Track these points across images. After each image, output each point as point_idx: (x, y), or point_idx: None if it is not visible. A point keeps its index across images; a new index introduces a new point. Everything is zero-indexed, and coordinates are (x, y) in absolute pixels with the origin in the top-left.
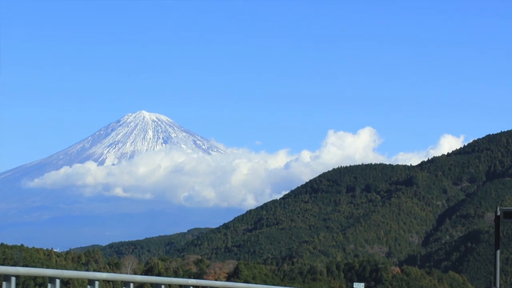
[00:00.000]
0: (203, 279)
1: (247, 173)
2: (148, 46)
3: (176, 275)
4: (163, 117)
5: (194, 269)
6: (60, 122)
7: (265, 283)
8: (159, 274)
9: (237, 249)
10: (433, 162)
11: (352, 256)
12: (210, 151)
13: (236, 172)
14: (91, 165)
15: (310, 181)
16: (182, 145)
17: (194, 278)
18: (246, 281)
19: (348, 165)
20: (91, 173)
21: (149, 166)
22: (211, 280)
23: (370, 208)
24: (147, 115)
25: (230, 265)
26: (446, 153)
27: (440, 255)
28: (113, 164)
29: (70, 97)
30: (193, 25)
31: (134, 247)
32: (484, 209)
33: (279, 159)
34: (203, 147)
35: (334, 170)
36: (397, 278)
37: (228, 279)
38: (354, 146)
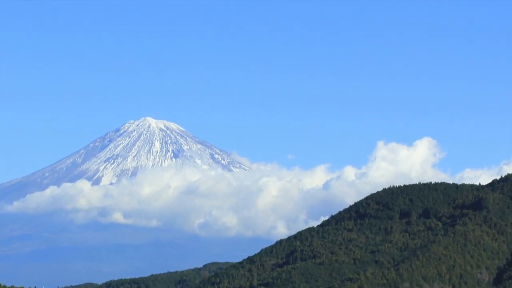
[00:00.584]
0: None
1: (277, 194)
2: (152, 41)
3: None
4: (173, 125)
5: None
6: (46, 132)
7: None
8: None
9: None
10: (508, 180)
11: None
12: (232, 167)
13: (264, 194)
14: (84, 184)
15: (355, 204)
16: (197, 160)
17: None
18: None
19: (402, 185)
20: (83, 195)
21: (155, 186)
22: None
23: (429, 238)
24: (153, 123)
25: None
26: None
27: None
28: (111, 184)
29: (58, 102)
30: (214, 18)
31: (137, 286)
32: None
33: (316, 178)
34: (223, 162)
35: (384, 190)
36: None
37: None
38: (409, 161)
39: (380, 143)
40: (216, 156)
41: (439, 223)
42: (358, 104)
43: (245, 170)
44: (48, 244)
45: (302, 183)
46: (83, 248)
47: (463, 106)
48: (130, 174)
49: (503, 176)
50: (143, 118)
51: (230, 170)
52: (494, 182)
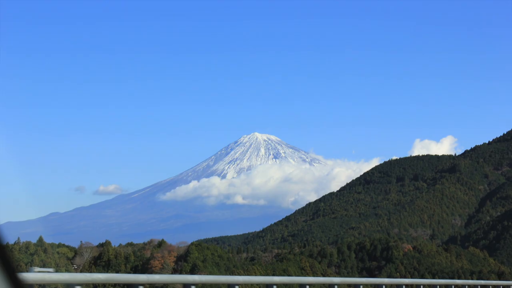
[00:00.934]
0: (149, 263)
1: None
2: (255, 80)
3: (126, 260)
4: (273, 137)
5: (148, 254)
6: (189, 146)
7: (216, 265)
8: (108, 261)
9: (292, 238)
10: (475, 150)
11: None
12: (313, 163)
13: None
14: (215, 179)
15: (364, 173)
16: (290, 159)
17: (142, 263)
18: (194, 264)
19: (398, 157)
20: (216, 186)
21: (263, 177)
22: (158, 264)
23: (416, 195)
24: (259, 136)
25: (182, 248)
26: (487, 141)
27: (479, 235)
28: (233, 178)
29: (195, 124)
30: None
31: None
32: None
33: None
34: (307, 160)
35: (385, 162)
36: (409, 256)
37: (177, 262)
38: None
39: (417, 140)
40: (302, 156)
41: (424, 184)
42: (400, 110)
43: (322, 164)
44: (192, 220)
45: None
46: (215, 222)
47: (481, 109)
48: (246, 170)
49: (472, 147)
50: (252, 133)
51: (312, 165)
52: (465, 152)
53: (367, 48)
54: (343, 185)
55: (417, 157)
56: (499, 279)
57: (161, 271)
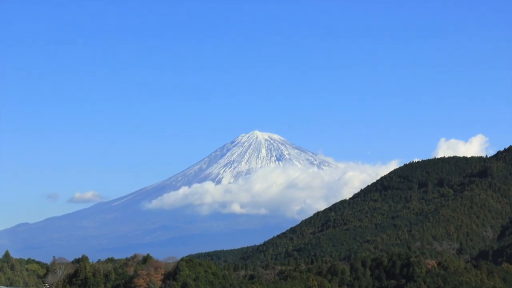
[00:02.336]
0: (132, 282)
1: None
2: (256, 71)
3: (106, 278)
4: (275, 136)
5: (131, 271)
6: (178, 146)
7: (210, 284)
8: (85, 279)
9: (297, 253)
10: (510, 151)
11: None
12: (322, 166)
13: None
14: (209, 185)
15: (381, 178)
16: (295, 162)
17: (124, 281)
18: (185, 283)
19: (420, 160)
20: (209, 193)
21: (264, 183)
22: (142, 282)
23: (441, 203)
24: (260, 135)
25: (171, 264)
26: None
27: None
28: (229, 183)
29: (186, 121)
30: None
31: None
32: None
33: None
34: (315, 162)
35: (405, 165)
36: (432, 273)
37: (165, 280)
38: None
39: (442, 140)
40: (310, 158)
41: (450, 190)
42: (425, 107)
43: (332, 168)
44: (182, 232)
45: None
46: (209, 234)
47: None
48: (244, 174)
49: (506, 148)
50: (252, 131)
51: (321, 169)
52: (498, 153)
53: (384, 37)
54: (357, 192)
55: (442, 159)
56: None
57: None
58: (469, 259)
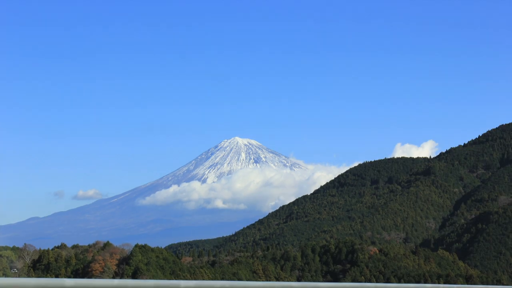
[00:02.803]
0: (89, 267)
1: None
2: (237, 83)
3: (67, 263)
4: (253, 142)
5: (90, 257)
6: (169, 151)
7: (161, 269)
8: (47, 264)
9: (263, 242)
10: (450, 152)
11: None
12: (294, 168)
13: (316, 184)
14: (196, 184)
15: (338, 176)
16: (270, 164)
17: (83, 266)
18: (137, 267)
19: (373, 160)
20: (196, 191)
21: (243, 182)
22: (98, 267)
23: (390, 198)
24: (240, 141)
25: (127, 250)
26: (463, 144)
27: (452, 238)
28: (213, 182)
29: (175, 128)
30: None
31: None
32: (498, 193)
33: None
34: (287, 164)
35: (360, 165)
36: (374, 259)
37: (119, 265)
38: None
39: (398, 144)
40: (283, 161)
41: (398, 186)
42: (382, 115)
43: (302, 169)
44: (172, 225)
45: None
46: (196, 226)
47: (459, 115)
48: (226, 175)
49: (447, 150)
50: (233, 138)
51: (292, 170)
52: (440, 154)
53: (349, 50)
54: (317, 188)
55: (392, 159)
56: (467, 282)
57: (101, 274)
58: (414, 247)
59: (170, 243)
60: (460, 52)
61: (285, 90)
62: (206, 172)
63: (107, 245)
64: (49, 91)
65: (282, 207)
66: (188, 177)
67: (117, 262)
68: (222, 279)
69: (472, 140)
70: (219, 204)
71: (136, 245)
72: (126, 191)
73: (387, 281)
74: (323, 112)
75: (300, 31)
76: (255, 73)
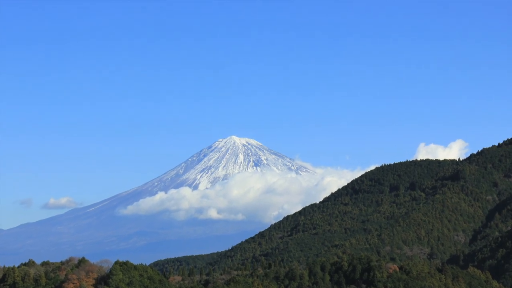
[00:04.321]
0: (62, 287)
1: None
2: (233, 75)
3: (36, 283)
4: (253, 141)
5: (63, 275)
6: (154, 151)
7: None
8: (13, 284)
9: (264, 258)
10: (483, 154)
11: (388, 260)
12: (300, 172)
13: (327, 190)
14: (186, 190)
15: (352, 181)
16: (273, 167)
17: (54, 286)
18: None
19: (392, 163)
20: (186, 198)
21: (241, 188)
22: (72, 287)
23: (412, 206)
24: (237, 140)
25: (105, 268)
26: (497, 144)
27: (485, 253)
28: (206, 188)
29: (162, 126)
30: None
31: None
32: None
33: None
34: (293, 168)
35: (376, 168)
36: (394, 278)
37: (96, 285)
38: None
39: (422, 145)
40: (287, 163)
41: (422, 193)
42: (403, 113)
43: (310, 173)
44: (158, 238)
45: None
46: (186, 240)
47: (490, 114)
48: (221, 180)
49: (479, 151)
50: (229, 137)
51: (298, 174)
52: (471, 156)
53: (363, 39)
54: (328, 195)
55: (415, 162)
56: None
57: None
58: (440, 263)
59: (156, 260)
60: (493, 40)
61: (289, 83)
62: (198, 177)
63: (82, 261)
64: (15, 87)
65: (287, 218)
66: (177, 182)
67: (94, 282)
68: None
69: (508, 139)
70: (213, 214)
71: (117, 262)
72: (105, 199)
73: None
74: (334, 107)
75: (309, 25)
76: (254, 63)
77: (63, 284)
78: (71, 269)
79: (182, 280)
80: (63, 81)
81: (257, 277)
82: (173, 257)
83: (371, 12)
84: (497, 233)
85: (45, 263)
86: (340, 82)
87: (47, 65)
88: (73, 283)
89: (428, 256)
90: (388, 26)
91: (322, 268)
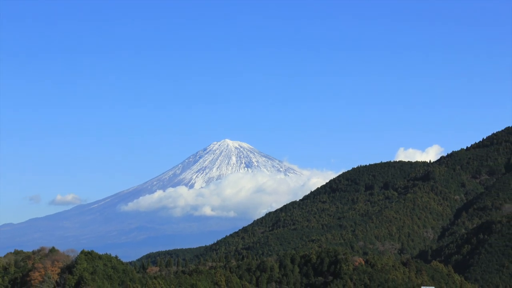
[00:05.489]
0: (28, 275)
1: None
2: (228, 81)
3: (5, 272)
4: (245, 144)
5: (30, 264)
6: (153, 153)
7: (108, 278)
8: None
9: (246, 251)
10: (452, 156)
11: (361, 254)
12: (288, 173)
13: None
14: (182, 189)
15: (330, 181)
16: (263, 169)
17: (22, 275)
18: (81, 277)
19: (368, 164)
20: (183, 197)
21: (234, 188)
22: (38, 276)
23: (386, 205)
24: (231, 143)
25: (72, 257)
26: (465, 147)
27: (452, 249)
28: (201, 187)
29: (161, 129)
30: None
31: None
32: (502, 201)
33: None
34: (281, 169)
35: (353, 169)
36: (359, 270)
37: (61, 274)
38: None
39: (401, 149)
40: (276, 165)
41: (395, 193)
42: (384, 119)
43: (297, 174)
44: (156, 233)
45: None
46: (182, 235)
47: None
48: (215, 180)
49: (448, 153)
50: (223, 140)
51: (286, 175)
52: (441, 158)
53: (350, 50)
54: (307, 194)
55: (389, 163)
56: None
57: (41, 284)
58: (410, 258)
59: (150, 252)
60: (466, 52)
61: (279, 90)
62: (194, 177)
63: (52, 251)
64: (24, 89)
65: (269, 214)
66: (174, 181)
67: (59, 270)
68: None
69: (475, 143)
70: (207, 211)
71: (82, 251)
72: (107, 196)
73: None
74: (320, 113)
75: (297, 31)
76: (246, 72)
77: (29, 273)
78: (39, 259)
79: (159, 271)
80: (67, 84)
81: (230, 269)
82: (167, 249)
83: (351, 23)
84: (463, 231)
85: (18, 252)
86: (327, 90)
87: (49, 72)
88: (39, 272)
89: (399, 251)
90: (372, 33)
91: (292, 261)
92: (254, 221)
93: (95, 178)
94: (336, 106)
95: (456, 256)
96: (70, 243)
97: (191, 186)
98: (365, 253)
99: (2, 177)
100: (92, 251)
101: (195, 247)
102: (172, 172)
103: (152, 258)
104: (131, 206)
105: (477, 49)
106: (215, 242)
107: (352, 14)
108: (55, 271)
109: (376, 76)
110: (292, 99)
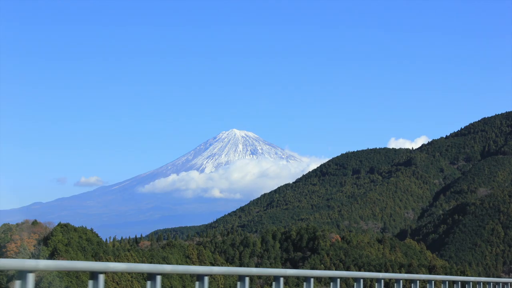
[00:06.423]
0: (5, 247)
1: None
2: (235, 76)
3: None
4: (250, 134)
5: (9, 236)
6: (169, 141)
7: (82, 250)
8: None
9: (241, 229)
10: (432, 144)
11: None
12: (289, 160)
13: None
14: (194, 173)
15: (320, 165)
16: (267, 155)
17: (0, 245)
18: (55, 248)
19: (355, 150)
20: (194, 180)
21: (240, 172)
22: (14, 247)
23: (370, 188)
24: (238, 132)
25: (49, 229)
26: (444, 136)
27: (429, 228)
28: (211, 172)
29: (176, 119)
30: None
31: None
32: (477, 185)
33: None
34: (283, 156)
35: (342, 155)
36: (336, 246)
37: (37, 246)
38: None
39: (392, 139)
40: (279, 153)
41: (379, 177)
42: (376, 107)
43: (297, 161)
44: (170, 212)
45: None
46: (193, 214)
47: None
48: (223, 165)
49: (429, 141)
50: (231, 129)
51: (288, 162)
52: (422, 145)
53: (344, 36)
54: (299, 177)
55: (374, 150)
56: (430, 273)
57: (16, 255)
58: (391, 236)
59: (157, 229)
60: (448, 45)
61: (284, 82)
62: (204, 162)
63: (34, 223)
64: (51, 75)
65: (264, 195)
66: (186, 166)
67: (35, 242)
68: (147, 263)
69: (454, 132)
70: (216, 193)
71: (59, 224)
72: (127, 179)
73: (347, 269)
74: (318, 105)
75: (297, 26)
76: (254, 67)
77: (6, 244)
78: (18, 231)
79: (150, 245)
80: (89, 72)
81: (215, 244)
82: (176, 227)
83: (345, 10)
84: (441, 212)
85: (4, 225)
86: (323, 83)
87: (72, 61)
88: (15, 243)
89: (381, 230)
90: (367, 22)
91: (273, 237)
92: (251, 201)
93: (116, 162)
94: (332, 99)
95: (433, 235)
96: (94, 221)
97: (202, 171)
98: (350, 231)
99: (33, 161)
100: (68, 223)
101: (199, 225)
102: (185, 157)
103: (158, 235)
104: (147, 188)
105: (458, 41)
106: (215, 220)
107: (343, 11)
108: (31, 242)
109: (368, 69)
110: (295, 91)
